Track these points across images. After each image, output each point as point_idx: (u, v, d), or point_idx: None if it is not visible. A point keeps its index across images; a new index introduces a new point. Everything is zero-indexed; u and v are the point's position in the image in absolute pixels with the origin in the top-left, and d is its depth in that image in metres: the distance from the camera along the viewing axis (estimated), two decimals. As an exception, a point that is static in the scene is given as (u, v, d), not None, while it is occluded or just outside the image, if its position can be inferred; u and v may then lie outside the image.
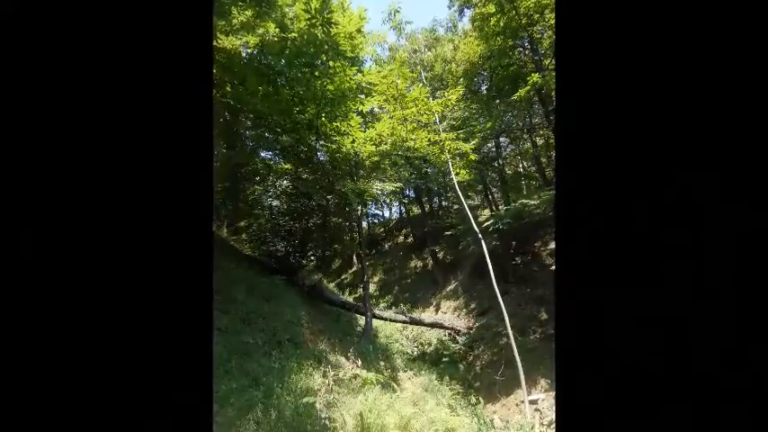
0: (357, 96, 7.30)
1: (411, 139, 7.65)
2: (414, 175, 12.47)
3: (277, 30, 6.10)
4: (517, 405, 6.63)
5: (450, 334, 9.73)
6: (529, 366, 6.50)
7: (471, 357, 8.79)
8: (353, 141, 7.36)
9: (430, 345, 9.70)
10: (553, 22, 8.30)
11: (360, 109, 7.42)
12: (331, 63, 6.27)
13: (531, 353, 7.34)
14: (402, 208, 18.34)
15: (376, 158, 8.07)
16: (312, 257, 10.80)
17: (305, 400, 3.62)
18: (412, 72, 9.06)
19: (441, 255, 13.80)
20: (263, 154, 9.38)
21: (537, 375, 6.86)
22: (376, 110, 9.89)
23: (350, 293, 12.71)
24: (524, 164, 14.56)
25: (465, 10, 12.06)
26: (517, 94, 8.50)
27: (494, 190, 13.57)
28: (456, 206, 14.88)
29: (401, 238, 17.63)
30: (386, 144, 7.67)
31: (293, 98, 6.56)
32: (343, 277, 15.51)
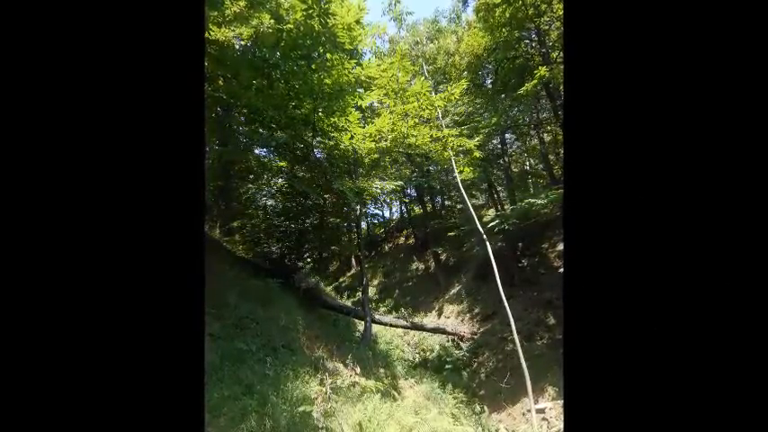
0: (356, 90, 7.29)
1: (412, 136, 7.65)
2: (415, 173, 12.49)
3: (272, 21, 6.09)
4: (524, 414, 6.63)
5: (453, 340, 9.74)
6: (536, 373, 6.50)
7: (475, 364, 8.80)
8: (352, 138, 7.36)
9: (432, 351, 9.70)
10: (561, 12, 8.30)
11: (359, 104, 7.41)
12: (328, 56, 6.27)
13: (539, 359, 7.34)
14: (403, 208, 18.35)
15: (375, 155, 8.07)
16: (309, 259, 10.82)
17: (301, 408, 3.62)
18: (413, 65, 9.06)
19: (443, 257, 13.81)
20: (257, 151, 9.38)
21: (544, 383, 6.86)
22: (375, 105, 9.89)
23: (348, 297, 12.73)
24: (531, 161, 14.56)
25: (469, 0, 12.07)
26: (524, 88, 8.49)
27: (499, 189, 13.57)
28: (459, 206, 14.90)
29: (402, 239, 17.64)
30: (386, 140, 7.66)
31: (289, 92, 6.56)
32: (341, 280, 15.53)
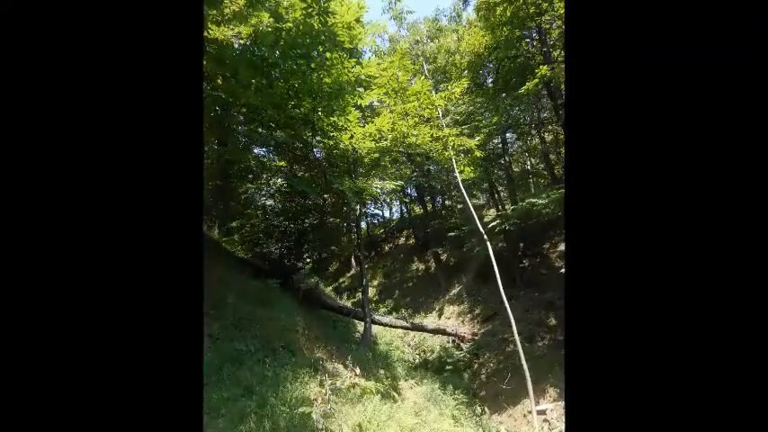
0: (356, 90, 7.29)
1: (412, 135, 7.65)
2: (415, 173, 12.50)
3: (271, 19, 6.10)
4: (525, 416, 6.63)
5: (453, 341, 9.74)
6: (537, 375, 6.50)
7: (476, 365, 8.80)
8: (352, 137, 7.36)
9: (432, 352, 9.70)
10: (562, 11, 8.30)
11: (358, 103, 7.42)
12: (328, 54, 6.27)
13: (540, 360, 7.35)
14: (403, 208, 18.35)
15: (375, 155, 8.07)
16: (308, 260, 10.81)
17: (300, 410, 3.62)
18: (413, 64, 9.06)
19: (444, 257, 13.80)
20: (256, 150, 9.38)
21: (545, 384, 6.86)
22: (375, 104, 9.89)
23: (348, 298, 12.73)
24: (532, 161, 14.56)
25: (469, -2, 12.08)
26: (525, 87, 8.49)
27: (500, 188, 13.57)
28: (460, 205, 14.89)
29: (402, 239, 17.63)
30: (386, 140, 7.66)
31: (288, 91, 6.56)
32: (340, 281, 15.53)
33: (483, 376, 8.37)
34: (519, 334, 6.19)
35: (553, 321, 8.35)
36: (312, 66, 6.26)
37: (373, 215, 17.43)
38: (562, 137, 11.16)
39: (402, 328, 9.98)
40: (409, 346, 10.18)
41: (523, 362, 5.70)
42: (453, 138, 7.90)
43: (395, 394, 5.61)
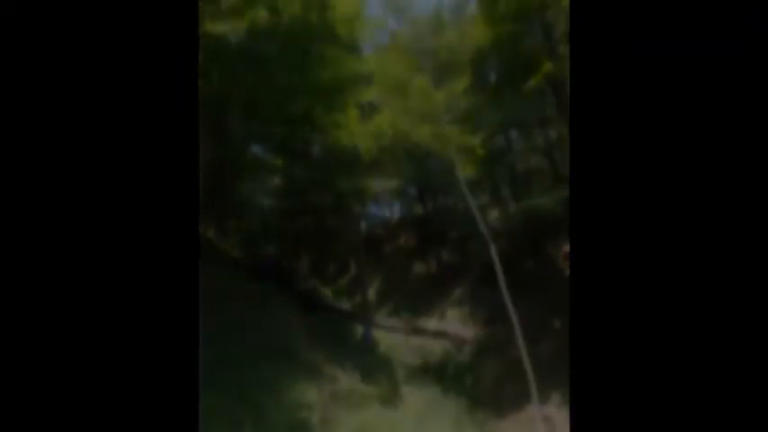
0: (355, 86, 7.29)
1: (413, 133, 7.64)
2: (416, 172, 12.47)
3: (269, 14, 6.09)
4: (528, 421, 6.62)
5: (455, 344, 9.73)
6: (541, 379, 6.50)
7: (478, 369, 8.79)
8: (351, 135, 7.36)
9: (434, 356, 9.69)
10: (567, 4, 8.29)
11: (358, 100, 7.42)
12: (327, 50, 6.27)
13: (544, 364, 7.34)
14: (404, 207, 18.33)
15: (375, 153, 8.07)
16: (306, 261, 10.82)
17: (298, 415, 3.62)
18: (415, 60, 9.04)
19: (445, 258, 13.79)
20: (253, 148, 9.37)
21: (550, 389, 6.86)
22: (375, 101, 9.89)
23: (347, 300, 12.72)
24: (536, 159, 14.54)
25: (472, -7, 12.06)
26: (528, 84, 8.49)
27: (503, 188, 13.55)
28: (462, 205, 14.87)
29: (403, 240, 17.62)
30: (386, 138, 7.66)
31: (286, 88, 6.56)
32: (339, 282, 15.52)
33: (486, 380, 8.36)
34: (522, 337, 6.18)
35: (557, 324, 8.35)
36: (311, 62, 6.27)
37: (373, 215, 17.42)
38: (566, 135, 11.16)
39: (403, 331, 9.97)
40: (410, 349, 10.18)
41: (527, 366, 5.69)
42: (455, 136, 7.89)
43: (395, 399, 5.60)
